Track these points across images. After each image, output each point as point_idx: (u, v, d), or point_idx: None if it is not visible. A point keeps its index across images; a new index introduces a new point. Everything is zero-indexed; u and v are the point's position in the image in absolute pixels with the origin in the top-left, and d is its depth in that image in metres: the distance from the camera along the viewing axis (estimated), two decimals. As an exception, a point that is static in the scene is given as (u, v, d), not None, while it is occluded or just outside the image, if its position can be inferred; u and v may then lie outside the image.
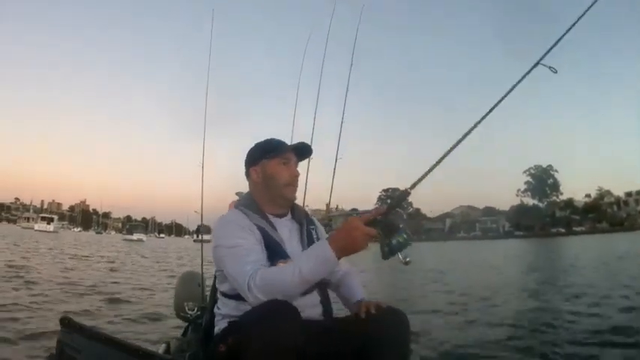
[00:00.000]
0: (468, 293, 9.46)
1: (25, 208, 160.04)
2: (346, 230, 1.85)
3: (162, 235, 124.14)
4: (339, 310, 2.49)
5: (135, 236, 65.09)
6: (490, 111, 2.02)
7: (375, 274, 13.27)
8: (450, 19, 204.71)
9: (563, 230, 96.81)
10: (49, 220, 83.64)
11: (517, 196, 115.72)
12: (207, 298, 2.78)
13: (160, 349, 2.92)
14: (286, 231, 2.29)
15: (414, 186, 1.91)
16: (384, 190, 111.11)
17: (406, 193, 1.94)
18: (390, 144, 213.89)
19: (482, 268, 18.26)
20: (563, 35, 2.20)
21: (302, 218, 2.40)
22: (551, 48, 2.16)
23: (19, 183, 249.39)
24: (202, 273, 3.41)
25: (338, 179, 4.16)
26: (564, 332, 5.58)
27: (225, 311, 2.15)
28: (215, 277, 2.35)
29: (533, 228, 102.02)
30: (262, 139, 2.38)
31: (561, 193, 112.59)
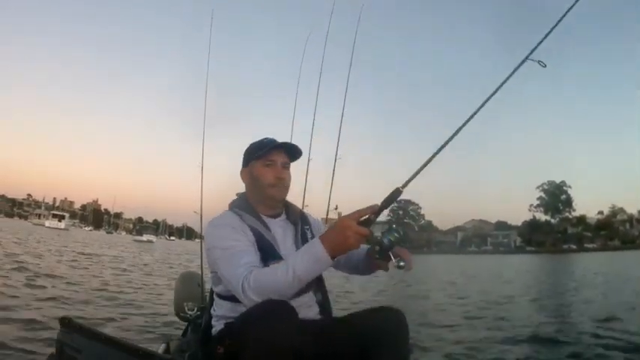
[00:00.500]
0: (485, 307, 9.35)
1: (37, 204, 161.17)
2: (338, 229, 1.81)
3: (172, 238, 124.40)
4: (339, 310, 2.49)
5: (144, 237, 65.36)
6: (481, 106, 2.01)
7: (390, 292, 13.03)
8: (450, 19, 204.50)
9: (574, 247, 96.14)
10: (60, 218, 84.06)
11: (529, 211, 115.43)
12: (207, 299, 2.76)
13: (160, 349, 2.91)
14: (280, 231, 2.29)
15: (406, 184, 1.90)
16: (397, 202, 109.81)
17: (398, 192, 1.90)
18: (391, 143, 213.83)
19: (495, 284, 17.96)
20: (552, 29, 2.17)
21: (296, 218, 2.40)
22: (540, 42, 2.14)
23: (31, 180, 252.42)
24: (202, 273, 3.38)
25: (339, 179, 4.14)
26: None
27: (222, 312, 2.15)
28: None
29: (544, 244, 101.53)
30: (261, 137, 2.37)
31: (574, 210, 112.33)
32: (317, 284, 2.31)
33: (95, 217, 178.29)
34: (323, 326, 2.20)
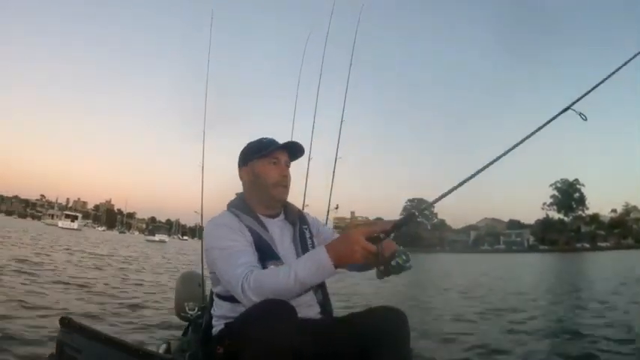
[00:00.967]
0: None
1: (50, 205, 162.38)
2: (345, 241, 1.81)
3: (185, 238, 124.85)
4: (339, 310, 2.47)
5: (157, 237, 65.68)
6: (510, 150, 1.97)
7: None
8: (450, 18, 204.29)
9: (587, 245, 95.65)
10: (73, 218, 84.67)
11: (542, 209, 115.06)
12: (207, 299, 2.78)
13: (160, 349, 2.91)
14: (278, 231, 2.28)
15: (422, 210, 2.00)
16: (410, 200, 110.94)
17: (412, 216, 1.93)
18: (391, 143, 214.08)
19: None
20: (600, 84, 2.13)
21: (295, 218, 2.39)
22: (585, 95, 2.10)
23: (45, 181, 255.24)
24: (202, 273, 3.37)
25: (339, 179, 4.13)
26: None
27: (221, 312, 2.15)
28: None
29: (557, 242, 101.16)
30: (260, 137, 2.37)
31: (587, 208, 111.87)
32: (318, 284, 2.24)
33: (108, 217, 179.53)
34: (323, 326, 2.19)
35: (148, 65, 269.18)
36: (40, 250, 17.08)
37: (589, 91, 2.11)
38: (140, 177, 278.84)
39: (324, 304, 2.36)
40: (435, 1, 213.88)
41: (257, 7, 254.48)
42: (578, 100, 2.07)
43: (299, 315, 1.84)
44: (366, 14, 4.46)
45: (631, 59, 2.15)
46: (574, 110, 2.05)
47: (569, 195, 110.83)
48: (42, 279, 9.17)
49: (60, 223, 77.00)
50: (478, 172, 1.89)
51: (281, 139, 2.34)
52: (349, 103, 4.08)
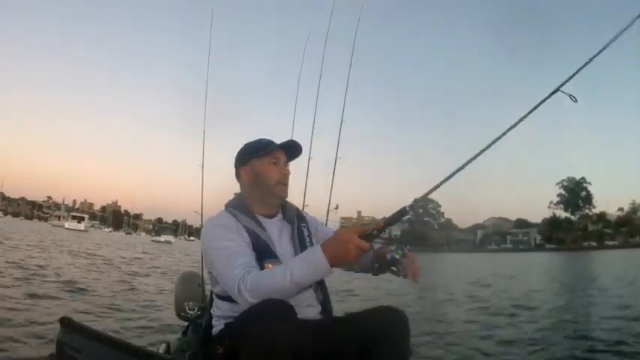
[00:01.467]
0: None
1: (57, 206, 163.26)
2: (339, 240, 1.83)
3: (192, 238, 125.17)
4: (339, 310, 2.47)
5: (163, 238, 66.20)
6: (500, 136, 1.99)
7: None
8: (450, 18, 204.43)
9: (594, 244, 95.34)
10: (80, 219, 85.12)
11: (549, 208, 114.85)
12: (207, 299, 2.79)
13: (160, 349, 2.91)
14: (276, 231, 2.28)
15: (413, 205, 1.92)
16: (416, 200, 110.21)
17: (404, 212, 1.93)
18: (391, 143, 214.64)
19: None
20: (587, 63, 2.09)
21: (293, 217, 2.39)
22: (573, 75, 2.09)
23: (51, 182, 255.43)
24: (202, 273, 3.36)
25: (339, 179, 4.13)
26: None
27: (221, 312, 2.15)
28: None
29: (564, 241, 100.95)
30: (261, 138, 2.37)
31: (594, 207, 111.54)
32: (318, 283, 2.30)
33: (115, 218, 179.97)
34: (323, 326, 2.19)
35: (148, 65, 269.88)
36: (43, 251, 17.20)
37: (577, 71, 2.08)
38: (143, 177, 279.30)
39: (325, 303, 2.36)
40: (435, 0, 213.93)
41: (257, 7, 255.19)
42: (567, 81, 2.06)
43: (299, 315, 1.84)
44: (366, 14, 4.48)
45: (618, 35, 2.10)
46: (563, 92, 2.04)
47: (575, 193, 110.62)
48: (42, 279, 9.23)
49: (66, 225, 77.40)
50: (469, 161, 1.93)
51: (281, 139, 2.35)
52: (349, 103, 4.09)
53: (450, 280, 19.20)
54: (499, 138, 1.97)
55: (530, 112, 2.02)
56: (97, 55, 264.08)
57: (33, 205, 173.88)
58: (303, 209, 2.62)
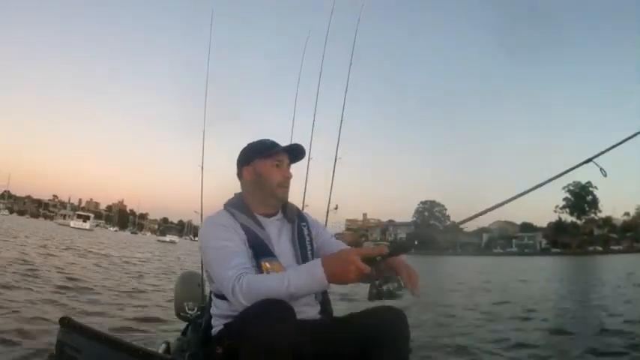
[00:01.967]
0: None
1: (63, 205, 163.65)
2: (341, 259, 1.83)
3: (197, 238, 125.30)
4: (339, 310, 2.49)
5: (167, 238, 66.15)
6: (525, 192, 2.06)
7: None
8: (450, 18, 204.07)
9: (600, 249, 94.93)
10: (85, 218, 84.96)
11: (555, 212, 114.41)
12: (207, 298, 2.76)
13: (160, 349, 2.92)
14: (275, 230, 2.29)
15: (422, 240, 2.05)
16: (422, 202, 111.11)
17: (412, 244, 1.96)
18: (391, 143, 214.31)
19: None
20: (624, 141, 2.13)
21: (293, 215, 2.39)
22: (607, 150, 2.11)
23: (57, 181, 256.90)
24: (202, 273, 3.36)
25: (339, 179, 4.14)
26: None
27: (220, 312, 2.15)
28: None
29: (570, 245, 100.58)
30: (261, 138, 2.39)
31: (600, 211, 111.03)
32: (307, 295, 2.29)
33: (120, 217, 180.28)
34: (323, 326, 2.20)
35: (148, 65, 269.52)
36: (46, 250, 17.21)
37: (612, 147, 2.11)
38: (147, 177, 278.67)
39: (324, 303, 2.38)
40: (435, 0, 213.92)
41: (257, 6, 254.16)
42: (600, 154, 2.07)
43: (299, 315, 1.85)
44: (366, 14, 4.51)
45: None
46: (596, 164, 2.07)
47: (581, 198, 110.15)
48: (43, 278, 9.22)
49: (72, 224, 77.37)
50: (491, 208, 2.01)
51: (281, 139, 2.36)
52: (349, 103, 4.11)
53: (452, 282, 19.14)
54: (521, 195, 2.03)
55: (558, 176, 2.08)
56: (97, 55, 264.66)
57: (39, 203, 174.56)
58: (302, 209, 2.63)
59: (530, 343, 5.73)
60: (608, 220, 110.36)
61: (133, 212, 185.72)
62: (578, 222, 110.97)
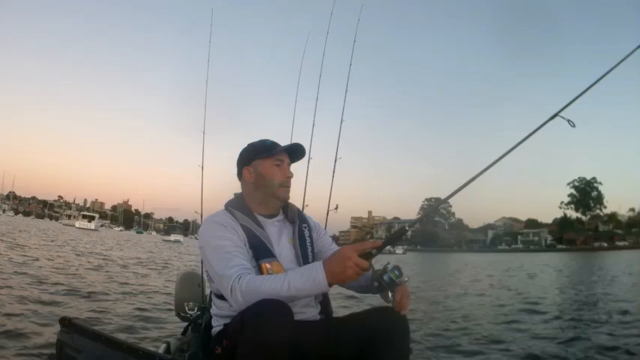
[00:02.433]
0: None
1: (68, 205, 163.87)
2: (338, 258, 1.85)
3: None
4: (339, 310, 2.54)
5: (172, 237, 66.08)
6: (504, 155, 2.08)
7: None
8: (450, 18, 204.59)
9: (605, 244, 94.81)
10: (90, 218, 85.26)
11: (560, 208, 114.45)
12: (207, 299, 2.77)
13: (160, 349, 2.90)
14: (275, 231, 2.28)
15: (413, 224, 2.07)
16: (427, 200, 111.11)
17: (404, 230, 2.01)
18: (391, 143, 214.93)
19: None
20: (587, 90, 2.18)
21: (294, 216, 2.38)
22: (572, 101, 2.16)
23: (62, 182, 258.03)
24: (202, 273, 3.34)
25: (339, 179, 4.14)
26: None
27: (220, 312, 2.15)
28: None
29: (575, 242, 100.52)
30: (262, 138, 2.38)
31: (605, 207, 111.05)
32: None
33: (126, 217, 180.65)
34: (323, 326, 2.19)
35: (148, 65, 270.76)
36: (49, 250, 17.25)
37: (576, 98, 2.14)
38: (149, 178, 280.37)
39: (324, 304, 2.36)
40: (435, 0, 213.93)
41: (257, 6, 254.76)
42: (565, 107, 2.12)
43: (299, 316, 1.89)
44: (366, 14, 4.47)
45: (618, 63, 2.20)
46: (562, 117, 2.11)
47: (586, 193, 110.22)
48: (43, 278, 9.21)
49: (77, 224, 77.77)
50: (472, 178, 2.00)
51: (281, 139, 2.36)
52: (349, 103, 4.10)
53: (455, 279, 19.12)
54: (498, 160, 2.05)
55: (529, 136, 2.11)
56: (98, 55, 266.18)
57: (44, 204, 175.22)
58: (302, 209, 2.62)
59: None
60: (613, 216, 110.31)
61: (138, 212, 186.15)
62: (584, 218, 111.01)
